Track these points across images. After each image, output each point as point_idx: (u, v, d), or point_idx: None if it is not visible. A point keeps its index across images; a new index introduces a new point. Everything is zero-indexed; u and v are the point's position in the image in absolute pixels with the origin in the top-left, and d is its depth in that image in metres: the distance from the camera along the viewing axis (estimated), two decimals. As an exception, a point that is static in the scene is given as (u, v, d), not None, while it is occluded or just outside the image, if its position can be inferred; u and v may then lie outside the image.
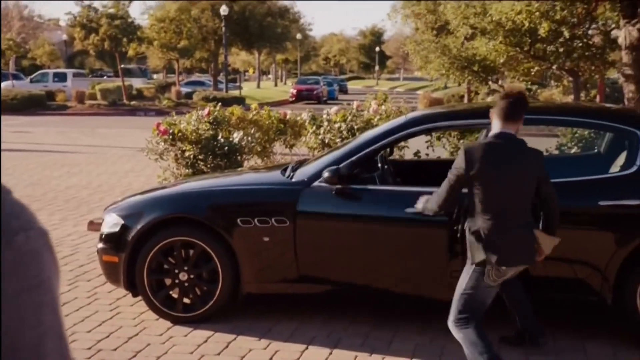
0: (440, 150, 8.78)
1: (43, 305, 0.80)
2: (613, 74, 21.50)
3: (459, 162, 3.90)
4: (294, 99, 41.57)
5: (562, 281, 4.68)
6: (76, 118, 28.19)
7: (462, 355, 4.00)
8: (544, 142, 8.02)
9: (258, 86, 58.80)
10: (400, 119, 5.42)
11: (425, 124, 5.25)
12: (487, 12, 10.53)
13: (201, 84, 45.94)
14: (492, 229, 3.80)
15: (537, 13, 9.45)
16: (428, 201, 4.24)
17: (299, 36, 56.43)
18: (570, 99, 20.59)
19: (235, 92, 40.78)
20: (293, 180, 5.14)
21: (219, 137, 8.55)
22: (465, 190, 3.96)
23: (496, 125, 3.94)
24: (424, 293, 4.94)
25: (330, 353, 4.62)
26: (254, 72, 69.70)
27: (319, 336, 4.87)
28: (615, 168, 5.10)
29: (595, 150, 6.42)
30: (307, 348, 4.70)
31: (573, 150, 8.27)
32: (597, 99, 18.65)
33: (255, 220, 4.98)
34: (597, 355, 4.56)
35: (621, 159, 5.04)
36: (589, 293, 4.66)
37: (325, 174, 4.83)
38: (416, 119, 5.27)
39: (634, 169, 4.65)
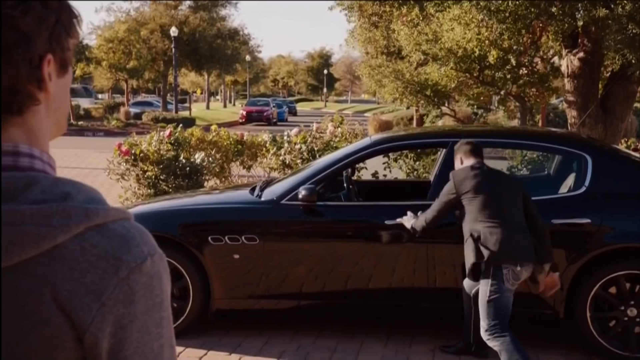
0: (396, 171, 9.09)
1: (163, 320, 0.96)
2: (553, 100, 22.36)
3: (450, 187, 4.35)
4: (243, 120, 41.58)
5: (518, 296, 4.95)
6: None
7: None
8: (494, 164, 8.40)
9: (207, 107, 58.67)
10: (366, 140, 5.69)
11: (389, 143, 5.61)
12: (438, 39, 10.95)
13: (149, 104, 45.62)
14: (501, 235, 4.15)
15: (487, 41, 9.90)
16: (416, 220, 4.63)
17: (248, 58, 56.63)
18: (514, 122, 21.32)
19: (185, 113, 40.65)
20: (262, 199, 5.32)
21: (181, 158, 8.66)
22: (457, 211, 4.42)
23: (468, 161, 4.44)
24: (391, 304, 5.17)
25: (300, 366, 4.79)
26: (201, 93, 69.49)
27: (288, 350, 5.03)
28: (564, 189, 5.43)
29: (545, 172, 6.79)
30: (277, 361, 4.86)
31: (522, 172, 8.68)
32: (540, 123, 19.37)
33: (226, 237, 5.14)
34: (550, 364, 4.85)
35: (570, 180, 5.39)
36: (544, 307, 4.95)
37: (302, 192, 5.05)
38: (381, 140, 5.57)
39: (583, 189, 4.99)
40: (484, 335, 4.21)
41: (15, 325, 0.88)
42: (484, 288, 4.19)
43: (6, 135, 0.93)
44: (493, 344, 4.18)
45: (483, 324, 4.19)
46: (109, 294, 0.90)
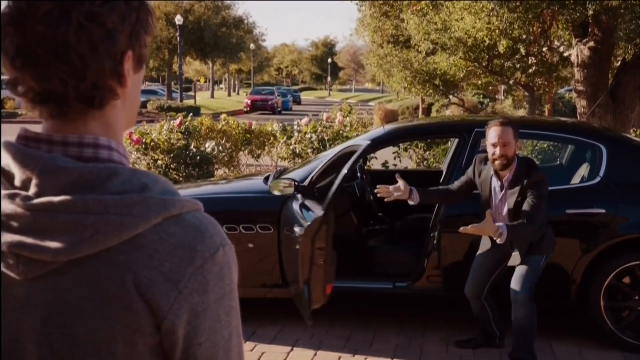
0: (406, 161, 9.10)
1: (232, 309, 0.99)
2: (560, 90, 22.29)
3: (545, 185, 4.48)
4: (248, 109, 41.49)
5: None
6: (27, 127, 27.63)
7: (440, 354, 4.22)
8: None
9: (212, 96, 58.63)
10: (379, 130, 5.69)
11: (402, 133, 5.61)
12: (447, 28, 10.91)
13: (154, 92, 45.58)
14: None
15: (497, 31, 9.86)
16: (517, 231, 4.43)
17: (252, 46, 56.53)
18: (521, 111, 21.26)
19: (190, 102, 40.63)
20: (276, 188, 5.32)
21: (191, 147, 8.68)
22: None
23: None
24: (407, 291, 5.19)
25: (315, 354, 4.82)
26: (205, 82, 69.43)
27: (302, 339, 5.06)
28: (578, 178, 5.42)
29: (557, 162, 6.79)
30: (292, 350, 4.89)
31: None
32: (547, 112, 19.33)
33: (241, 227, 5.15)
34: (563, 353, 4.86)
35: (583, 170, 5.39)
36: (558, 296, 4.97)
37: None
38: (394, 130, 5.58)
39: (598, 179, 4.99)
40: (524, 294, 4.43)
41: (98, 310, 0.90)
42: (534, 264, 4.46)
43: (86, 128, 0.97)
44: (527, 305, 4.43)
45: (524, 290, 4.43)
46: (186, 282, 0.92)
